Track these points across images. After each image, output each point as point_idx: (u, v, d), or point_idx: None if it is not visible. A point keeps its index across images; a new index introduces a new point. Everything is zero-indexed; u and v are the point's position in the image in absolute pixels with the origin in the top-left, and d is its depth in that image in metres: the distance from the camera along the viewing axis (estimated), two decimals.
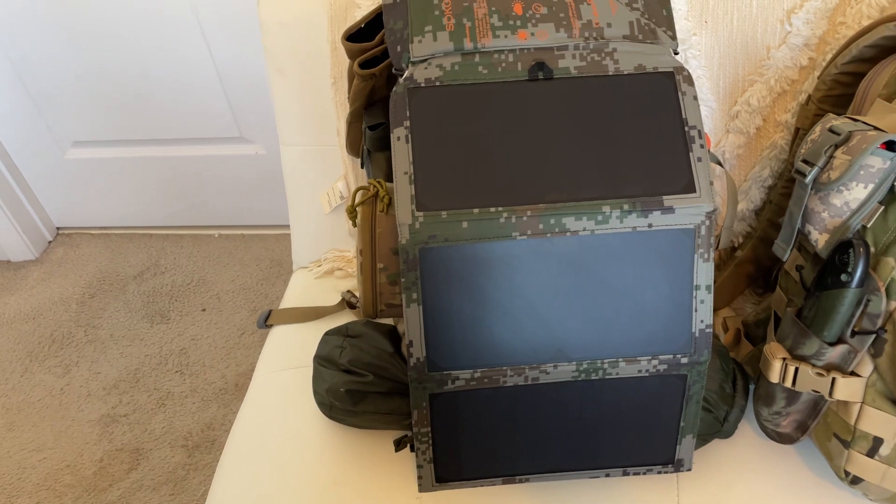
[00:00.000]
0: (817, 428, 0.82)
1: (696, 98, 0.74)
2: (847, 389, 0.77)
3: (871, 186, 0.74)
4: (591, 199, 0.71)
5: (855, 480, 0.79)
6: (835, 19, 0.95)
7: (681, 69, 0.75)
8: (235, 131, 1.65)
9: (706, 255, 0.73)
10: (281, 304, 1.20)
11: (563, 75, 0.75)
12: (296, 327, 1.14)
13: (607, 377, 0.77)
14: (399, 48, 0.76)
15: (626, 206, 0.71)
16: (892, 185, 0.74)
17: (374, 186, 0.84)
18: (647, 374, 0.77)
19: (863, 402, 0.77)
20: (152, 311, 1.69)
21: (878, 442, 0.76)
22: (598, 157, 0.72)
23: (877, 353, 0.75)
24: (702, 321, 0.75)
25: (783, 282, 0.89)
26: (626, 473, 0.85)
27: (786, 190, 1.00)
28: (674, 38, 0.77)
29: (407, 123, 0.73)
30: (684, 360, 0.76)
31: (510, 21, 0.75)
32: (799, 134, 0.97)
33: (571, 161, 0.72)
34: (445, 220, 0.70)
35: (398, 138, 0.73)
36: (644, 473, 0.85)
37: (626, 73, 0.75)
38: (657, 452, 0.84)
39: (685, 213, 0.71)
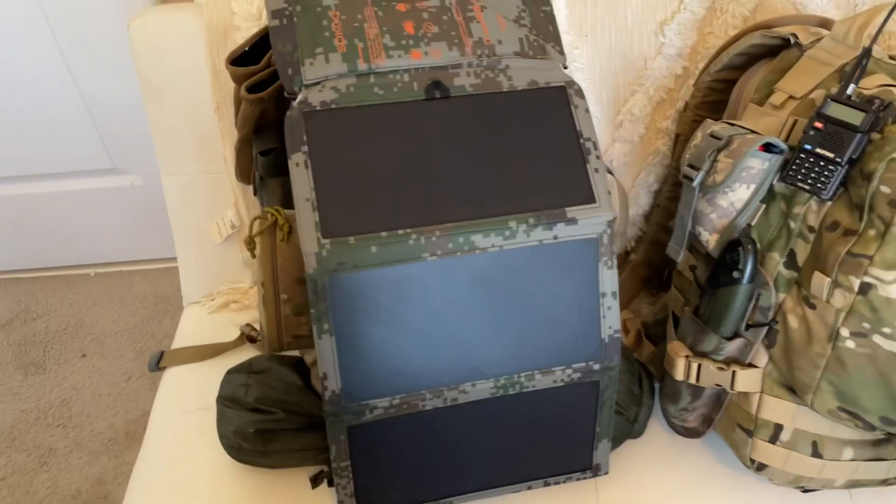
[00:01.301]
0: (721, 420, 0.86)
1: (587, 111, 0.76)
2: (746, 381, 0.81)
3: (752, 186, 0.78)
4: (498, 216, 0.71)
5: (760, 467, 0.83)
6: (703, 30, 1.00)
7: (571, 83, 0.77)
8: (107, 162, 1.55)
9: (609, 263, 0.75)
10: (173, 344, 1.13)
11: (459, 93, 0.75)
12: (192, 367, 1.07)
13: (524, 391, 0.77)
14: (290, 71, 0.73)
15: (531, 220, 0.71)
16: (772, 184, 0.78)
17: (272, 214, 0.80)
18: (562, 384, 0.78)
19: (762, 392, 0.81)
20: (25, 361, 1.56)
21: (778, 428, 0.80)
22: (499, 172, 0.73)
23: (770, 343, 0.80)
24: (610, 327, 0.77)
25: (677, 282, 0.92)
26: (546, 484, 0.85)
27: (671, 193, 1.05)
28: (562, 52, 0.79)
29: (305, 148, 0.71)
30: (596, 367, 0.78)
31: (403, 41, 0.75)
32: (679, 139, 1.02)
33: (474, 178, 0.72)
34: (353, 245, 0.68)
35: (297, 164, 0.70)
36: (564, 482, 0.86)
37: (519, 88, 0.76)
38: (575, 460, 0.85)
39: (587, 223, 0.73)
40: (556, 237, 0.72)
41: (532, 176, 0.73)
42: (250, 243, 0.80)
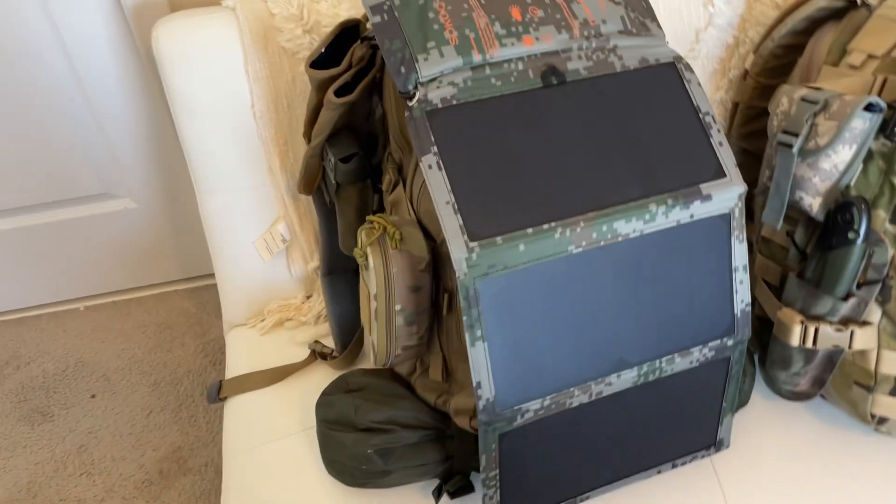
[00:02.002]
0: (834, 380, 0.87)
1: (699, 84, 0.75)
2: (864, 339, 0.82)
3: (855, 147, 0.79)
4: (636, 199, 0.69)
5: (881, 421, 0.84)
6: None
7: (679, 58, 0.75)
8: (97, 187, 1.44)
9: (741, 237, 0.74)
10: (227, 372, 1.07)
11: (574, 78, 0.72)
12: (256, 395, 1.01)
13: (663, 375, 0.76)
14: (403, 69, 0.69)
15: (669, 201, 0.70)
16: (869, 144, 0.79)
17: (379, 223, 0.76)
18: (696, 364, 0.77)
19: (879, 347, 0.82)
20: (28, 410, 1.44)
21: None
22: (627, 155, 0.71)
23: (885, 299, 0.81)
24: (742, 301, 0.76)
25: (765, 249, 0.93)
26: (674, 466, 0.84)
27: None
28: (660, 27, 0.77)
29: (435, 149, 0.67)
30: (730, 343, 0.77)
31: (513, 28, 0.71)
32: (739, 108, 1.02)
33: (605, 163, 0.70)
34: (501, 246, 0.65)
35: (430, 166, 0.66)
36: (690, 461, 0.85)
37: (632, 68, 0.74)
38: (701, 437, 0.84)
39: (721, 198, 0.71)
40: (692, 216, 0.71)
41: (660, 156, 0.71)
42: (362, 254, 0.75)
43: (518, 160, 0.68)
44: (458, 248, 0.64)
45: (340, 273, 1.00)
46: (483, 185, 0.67)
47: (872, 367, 0.83)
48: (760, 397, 0.95)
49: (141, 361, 1.52)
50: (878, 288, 0.80)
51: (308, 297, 1.10)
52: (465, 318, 0.66)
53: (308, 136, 0.86)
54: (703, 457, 0.85)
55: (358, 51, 0.78)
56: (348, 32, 0.82)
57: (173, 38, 0.96)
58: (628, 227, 0.69)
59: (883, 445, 0.89)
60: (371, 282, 0.76)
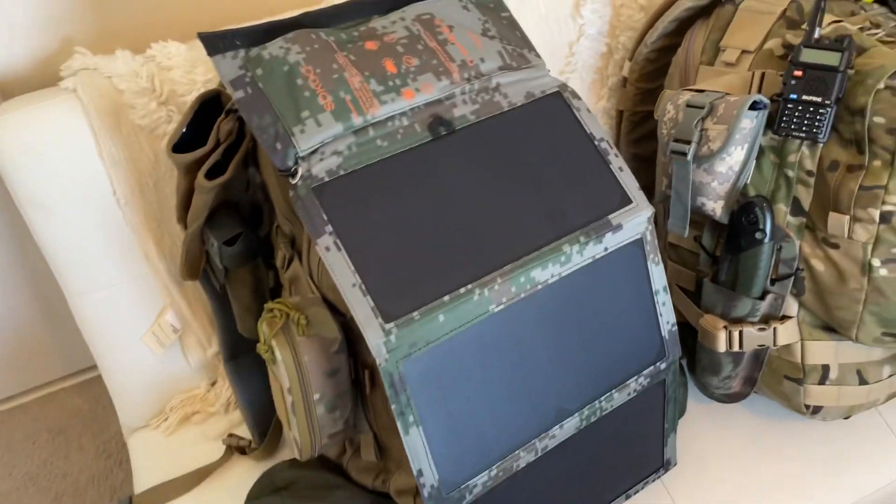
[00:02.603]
0: (765, 377, 0.87)
1: (589, 110, 0.72)
2: (787, 333, 0.82)
3: (746, 146, 0.79)
4: (550, 243, 0.66)
5: (815, 410, 0.85)
6: (615, 3, 1.00)
7: (564, 86, 0.73)
8: None
9: (656, 259, 0.72)
10: (135, 484, 0.96)
11: (463, 125, 0.68)
12: None
13: (604, 413, 0.73)
14: (279, 145, 0.62)
15: (582, 239, 0.66)
16: (759, 141, 0.79)
17: (280, 310, 0.69)
18: (635, 394, 0.75)
19: (802, 339, 0.82)
20: None
21: (826, 369, 0.83)
22: (531, 198, 0.67)
23: (799, 291, 0.81)
24: (668, 322, 0.74)
25: (673, 255, 0.92)
26: (627, 497, 0.82)
27: None
28: (538, 56, 0.74)
29: (329, 228, 0.61)
30: (663, 366, 0.75)
31: (390, 82, 0.66)
32: (624, 115, 1.01)
33: (511, 211, 0.66)
34: (420, 321, 0.60)
35: (327, 248, 0.60)
36: (642, 488, 0.83)
37: (518, 104, 0.70)
38: (649, 462, 0.82)
39: (631, 225, 0.69)
40: (606, 248, 0.68)
41: (564, 193, 0.68)
42: (267, 348, 0.68)
43: (421, 224, 0.63)
44: (373, 334, 0.59)
45: (245, 356, 0.92)
46: (388, 258, 0.61)
47: (799, 359, 0.83)
48: (695, 403, 0.94)
49: (36, 476, 1.37)
50: (791, 282, 0.81)
51: (213, 384, 1.01)
52: (393, 406, 0.60)
53: (184, 221, 0.78)
54: (653, 480, 0.83)
55: (224, 125, 0.71)
56: (209, 104, 0.74)
57: (10, 132, 0.85)
58: (546, 273, 0.65)
59: (818, 429, 0.90)
60: (282, 376, 0.69)
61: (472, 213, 0.65)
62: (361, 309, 0.59)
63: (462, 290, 0.62)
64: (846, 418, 0.89)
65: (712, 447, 0.90)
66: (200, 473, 0.92)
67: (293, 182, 0.62)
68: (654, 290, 0.72)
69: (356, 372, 0.74)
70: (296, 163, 0.63)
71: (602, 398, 0.72)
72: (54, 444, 1.42)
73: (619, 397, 0.73)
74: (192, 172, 0.72)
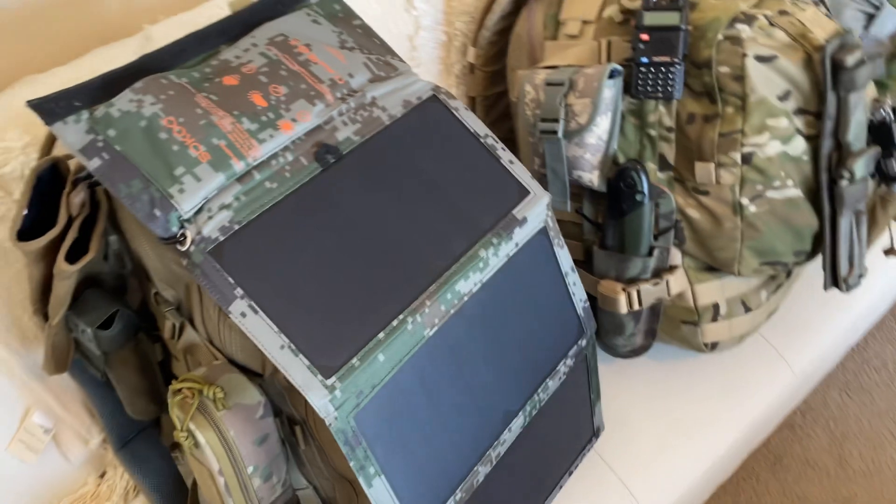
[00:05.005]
0: (663, 326, 0.91)
1: (467, 108, 0.71)
2: (678, 282, 0.86)
3: (609, 114, 0.81)
4: (466, 252, 0.64)
5: (713, 346, 0.91)
6: None
7: (437, 88, 0.70)
8: None
9: (560, 243, 0.72)
10: None
11: (349, 148, 0.63)
12: None
13: (542, 404, 0.73)
14: (158, 212, 0.55)
15: (494, 240, 0.65)
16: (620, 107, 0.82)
17: (191, 388, 0.62)
18: (565, 377, 0.75)
19: (691, 284, 0.87)
20: None
21: (716, 307, 0.88)
22: (436, 209, 0.65)
23: (681, 241, 0.85)
24: (581, 300, 0.75)
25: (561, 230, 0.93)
26: (570, 474, 0.84)
27: None
28: (402, 60, 0.71)
29: (240, 292, 0.55)
30: (584, 343, 0.76)
31: (263, 117, 0.60)
32: (477, 101, 1.01)
33: (421, 228, 0.63)
34: (361, 367, 0.56)
35: (243, 314, 0.54)
36: (580, 461, 0.85)
37: (399, 115, 0.67)
38: (583, 434, 0.84)
39: (534, 215, 0.69)
40: (517, 244, 0.67)
41: (464, 196, 0.66)
42: (186, 434, 0.61)
43: (334, 263, 0.59)
44: (317, 395, 0.54)
45: (138, 440, 0.83)
46: (311, 309, 0.56)
47: (692, 303, 0.88)
48: (603, 365, 0.97)
49: None
50: (672, 234, 0.85)
51: (102, 476, 0.90)
52: (352, 463, 0.56)
53: (43, 313, 0.68)
54: (588, 451, 0.85)
55: (74, 198, 0.62)
56: (48, 178, 0.64)
57: None
58: (469, 283, 0.63)
59: (714, 363, 0.97)
60: (209, 459, 0.62)
61: (382, 238, 0.61)
62: (297, 371, 0.54)
63: (395, 321, 0.58)
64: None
65: (626, 404, 0.94)
66: None
67: (183, 249, 0.55)
68: (563, 272, 0.73)
69: (283, 430, 0.68)
70: (182, 227, 0.56)
71: (539, 390, 0.72)
72: None
73: (552, 384, 0.73)
74: (46, 258, 0.62)
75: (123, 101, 0.57)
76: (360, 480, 0.57)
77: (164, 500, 0.83)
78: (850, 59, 0.75)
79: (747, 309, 0.90)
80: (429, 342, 0.61)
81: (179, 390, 0.62)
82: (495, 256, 0.65)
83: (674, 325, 0.91)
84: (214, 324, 0.66)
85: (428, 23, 0.97)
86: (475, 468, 0.66)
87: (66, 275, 0.62)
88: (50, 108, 0.56)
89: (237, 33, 0.67)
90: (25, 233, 0.62)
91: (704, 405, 0.94)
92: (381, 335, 0.58)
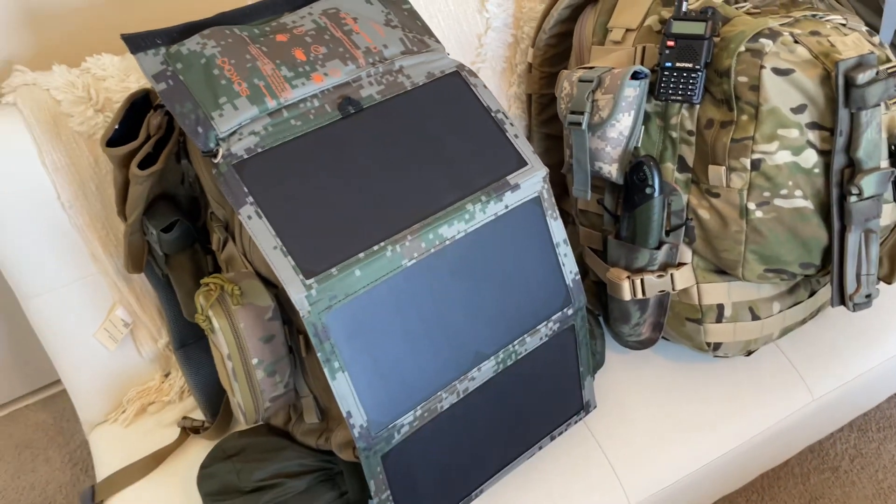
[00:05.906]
0: (669, 321, 0.95)
1: (485, 86, 0.81)
2: (683, 278, 0.90)
3: (632, 113, 0.88)
4: (454, 203, 0.73)
5: (716, 347, 0.94)
6: None
7: (462, 66, 0.81)
8: None
9: (554, 215, 0.80)
10: (97, 475, 1.01)
11: (370, 103, 0.75)
12: (135, 489, 0.97)
13: (519, 357, 0.80)
14: (200, 129, 0.69)
15: (483, 198, 0.74)
16: (644, 107, 0.88)
17: (215, 283, 0.76)
18: (546, 339, 0.82)
19: (697, 283, 0.91)
20: None
21: (720, 308, 0.91)
22: (436, 165, 0.75)
23: (691, 240, 0.90)
24: (571, 271, 0.82)
25: (583, 220, 1.00)
26: (552, 438, 0.90)
27: (536, 150, 1.13)
28: (438, 41, 0.82)
29: (250, 199, 0.68)
30: (570, 312, 0.83)
31: (300, 69, 0.74)
32: (533, 98, 1.10)
33: (418, 178, 0.74)
34: (338, 276, 0.67)
35: (249, 217, 0.67)
36: (566, 430, 0.91)
37: (421, 84, 0.78)
38: (570, 405, 0.90)
39: (528, 184, 0.77)
40: (507, 206, 0.76)
41: (466, 159, 0.76)
42: (205, 319, 0.75)
43: (335, 193, 0.71)
44: (295, 289, 0.66)
45: (194, 342, 0.98)
46: (306, 223, 0.68)
47: (696, 301, 0.92)
48: (613, 354, 1.02)
49: (5, 490, 1.41)
50: (682, 231, 0.89)
51: (167, 376, 1.07)
52: (319, 354, 0.67)
53: (123, 214, 0.84)
54: (576, 422, 0.91)
55: (153, 120, 0.78)
56: (141, 103, 0.81)
57: None
58: (452, 230, 0.73)
59: (723, 368, 0.99)
60: (221, 343, 0.75)
61: (381, 182, 0.72)
62: (283, 268, 0.66)
63: (375, 247, 0.69)
64: (747, 355, 0.98)
65: (630, 392, 0.98)
66: (158, 456, 0.97)
67: (215, 161, 0.69)
68: (555, 242, 0.80)
69: (291, 338, 0.80)
70: (217, 144, 0.70)
71: (515, 342, 0.79)
72: (21, 459, 1.45)
73: (531, 341, 0.81)
74: (125, 165, 0.79)
75: (192, 43, 0.73)
76: (325, 372, 0.68)
77: (206, 398, 0.98)
78: (862, 77, 0.77)
79: (755, 317, 0.92)
80: (406, 272, 0.71)
81: (207, 284, 0.76)
82: (482, 213, 0.75)
83: (679, 321, 0.95)
84: (247, 241, 0.79)
85: (497, 24, 1.08)
86: (439, 394, 0.75)
87: (139, 180, 0.78)
88: (137, 41, 0.72)
89: (301, 3, 0.81)
90: (114, 143, 0.79)
91: (709, 407, 0.96)
92: (361, 255, 0.69)
